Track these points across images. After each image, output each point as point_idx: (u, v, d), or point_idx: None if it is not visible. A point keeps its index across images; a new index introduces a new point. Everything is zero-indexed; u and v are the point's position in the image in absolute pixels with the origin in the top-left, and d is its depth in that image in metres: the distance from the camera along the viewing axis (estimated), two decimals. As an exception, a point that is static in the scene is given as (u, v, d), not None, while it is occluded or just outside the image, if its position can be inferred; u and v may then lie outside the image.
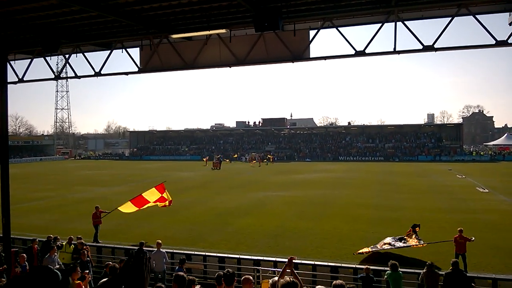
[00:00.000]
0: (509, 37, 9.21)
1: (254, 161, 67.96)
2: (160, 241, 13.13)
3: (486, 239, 16.61)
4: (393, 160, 73.81)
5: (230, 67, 11.89)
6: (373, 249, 14.35)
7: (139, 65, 12.61)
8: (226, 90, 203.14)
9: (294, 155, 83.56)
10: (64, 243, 13.93)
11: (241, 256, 13.62)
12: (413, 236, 14.25)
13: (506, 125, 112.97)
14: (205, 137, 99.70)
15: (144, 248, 13.00)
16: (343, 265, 12.49)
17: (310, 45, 10.65)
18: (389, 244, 14.26)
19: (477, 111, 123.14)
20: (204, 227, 20.17)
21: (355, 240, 17.22)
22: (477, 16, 9.42)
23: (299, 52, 10.62)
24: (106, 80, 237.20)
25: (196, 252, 14.34)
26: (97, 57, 13.68)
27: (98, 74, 12.88)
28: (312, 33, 10.68)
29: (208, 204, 27.18)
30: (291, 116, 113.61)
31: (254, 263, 12.91)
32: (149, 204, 17.47)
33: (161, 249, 12.86)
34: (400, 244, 14.13)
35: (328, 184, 37.74)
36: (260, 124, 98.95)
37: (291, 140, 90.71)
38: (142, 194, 17.35)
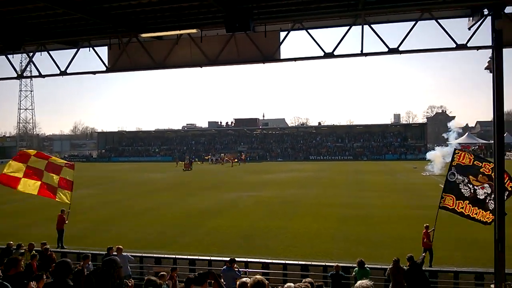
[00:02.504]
0: (468, 40, 9.67)
1: (228, 161, 67.82)
2: (121, 247, 12.55)
3: (448, 233, 17.27)
4: (361, 159, 75.52)
5: (201, 67, 11.87)
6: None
7: (107, 64, 12.39)
8: (198, 90, 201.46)
9: (266, 155, 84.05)
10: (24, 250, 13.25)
11: (212, 258, 13.57)
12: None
13: (467, 124, 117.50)
14: (176, 137, 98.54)
15: (113, 254, 12.55)
16: (313, 263, 12.71)
17: (281, 46, 10.80)
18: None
19: (440, 111, 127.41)
20: (175, 229, 19.97)
21: (325, 239, 17.53)
22: (439, 20, 9.82)
23: (270, 53, 10.74)
24: (73, 79, 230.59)
25: (166, 255, 14.14)
26: (63, 55, 13.35)
27: (63, 73, 12.56)
28: (282, 34, 10.83)
29: (179, 205, 26.94)
30: (264, 116, 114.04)
31: (225, 264, 12.88)
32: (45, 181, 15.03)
33: (123, 253, 12.30)
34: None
35: (299, 183, 38.19)
36: (233, 124, 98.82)
37: (264, 140, 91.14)
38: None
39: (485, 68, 9.66)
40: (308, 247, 16.39)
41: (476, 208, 12.10)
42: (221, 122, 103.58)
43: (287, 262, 12.74)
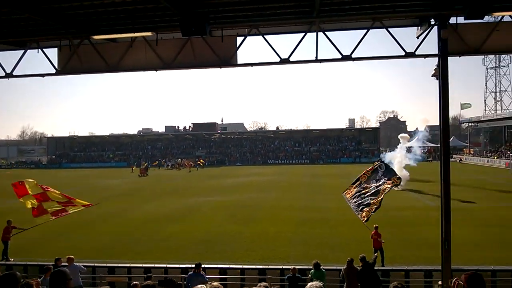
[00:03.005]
0: (416, 49, 10.16)
1: (185, 166, 66.94)
2: (72, 256, 11.99)
3: (400, 234, 18.02)
4: (318, 163, 77.13)
5: (156, 70, 11.64)
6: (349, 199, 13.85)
7: (56, 67, 11.85)
8: (155, 93, 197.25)
9: (225, 159, 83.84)
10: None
11: (169, 265, 13.27)
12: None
13: (417, 128, 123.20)
14: (131, 142, 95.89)
15: (62, 265, 11.93)
16: (270, 267, 12.78)
17: (238, 51, 10.81)
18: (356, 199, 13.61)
19: (392, 116, 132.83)
20: (131, 237, 19.41)
21: (283, 242, 17.71)
22: (389, 29, 10.24)
23: (227, 58, 10.73)
24: (21, 82, 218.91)
25: (120, 264, 13.66)
26: (9, 56, 12.64)
27: (9, 75, 11.88)
28: (239, 39, 10.85)
29: (136, 212, 26.25)
30: (222, 121, 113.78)
31: (181, 271, 12.68)
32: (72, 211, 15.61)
33: (74, 263, 11.72)
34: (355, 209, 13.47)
35: (257, 187, 38.35)
36: (190, 129, 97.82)
37: (222, 145, 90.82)
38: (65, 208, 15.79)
39: (432, 75, 10.22)
40: (266, 251, 16.48)
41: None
42: (178, 127, 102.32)
43: (244, 266, 12.73)
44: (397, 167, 37.86)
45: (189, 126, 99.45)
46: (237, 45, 10.63)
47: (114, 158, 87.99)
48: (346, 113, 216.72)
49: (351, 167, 63.53)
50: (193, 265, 12.30)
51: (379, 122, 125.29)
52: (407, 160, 40.01)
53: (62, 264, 11.33)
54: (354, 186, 14.01)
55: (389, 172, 13.36)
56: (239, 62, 10.77)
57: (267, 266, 12.88)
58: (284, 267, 12.58)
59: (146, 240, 18.71)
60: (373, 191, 13.19)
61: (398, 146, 44.54)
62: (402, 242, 17.00)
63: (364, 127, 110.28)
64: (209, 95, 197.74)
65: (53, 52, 11.94)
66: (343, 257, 14.04)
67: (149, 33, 10.51)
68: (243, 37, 10.56)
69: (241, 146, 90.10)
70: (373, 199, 13.09)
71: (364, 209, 13.17)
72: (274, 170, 60.02)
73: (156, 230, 20.73)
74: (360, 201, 13.38)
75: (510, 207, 24.79)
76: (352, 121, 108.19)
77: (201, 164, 69.12)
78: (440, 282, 10.50)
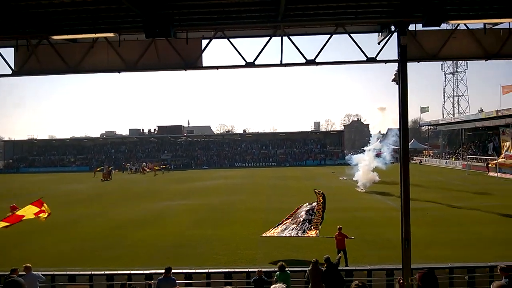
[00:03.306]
0: (377, 54, 10.47)
1: (150, 170, 65.78)
2: (30, 265, 11.45)
3: (363, 234, 18.43)
4: (284, 165, 77.91)
5: (118, 72, 11.40)
6: (279, 234, 15.63)
7: (13, 68, 11.36)
8: (119, 95, 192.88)
9: (191, 163, 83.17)
10: None
11: (132, 272, 12.91)
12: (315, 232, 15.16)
13: (379, 131, 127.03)
14: (94, 146, 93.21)
15: (19, 275, 11.35)
16: (236, 270, 12.76)
17: (203, 54, 10.75)
18: (292, 230, 15.37)
19: (355, 119, 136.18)
20: (95, 244, 18.80)
21: (250, 245, 17.72)
22: (352, 35, 10.50)
23: (191, 60, 10.66)
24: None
25: (81, 272, 13.16)
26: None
27: (-39, 76, 11.30)
28: (205, 42, 10.79)
29: (100, 218, 25.49)
30: (189, 123, 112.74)
31: (146, 277, 12.42)
32: (25, 218, 15.44)
33: (32, 272, 11.27)
34: (300, 233, 15.15)
35: (225, 190, 38.26)
36: (156, 132, 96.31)
37: (188, 148, 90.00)
38: (17, 213, 15.42)
39: (392, 80, 10.52)
40: (234, 254, 16.45)
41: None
42: (143, 130, 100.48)
43: (210, 270, 12.63)
44: (365, 170, 39.00)
45: (154, 129, 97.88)
46: (202, 48, 10.58)
47: (76, 162, 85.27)
48: (312, 116, 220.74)
49: (316, 169, 64.63)
50: (159, 271, 12.12)
51: (343, 125, 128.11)
52: (375, 163, 41.03)
53: (19, 274, 10.81)
54: (281, 224, 16.12)
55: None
56: (204, 65, 10.71)
57: (233, 270, 12.85)
58: (250, 270, 12.59)
59: (111, 247, 18.21)
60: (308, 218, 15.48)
61: (366, 149, 45.62)
62: (366, 242, 17.40)
63: (329, 130, 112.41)
64: (175, 98, 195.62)
65: (9, 52, 11.45)
66: (308, 258, 14.31)
67: (111, 34, 10.28)
68: (208, 40, 10.52)
69: (208, 149, 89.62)
70: (312, 220, 15.23)
71: (312, 227, 14.98)
72: (241, 173, 60.11)
73: (122, 236, 20.24)
74: (300, 227, 15.25)
75: (467, 207, 25.93)
76: (317, 124, 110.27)
77: (163, 168, 68.00)
78: (400, 281, 10.82)
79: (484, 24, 10.83)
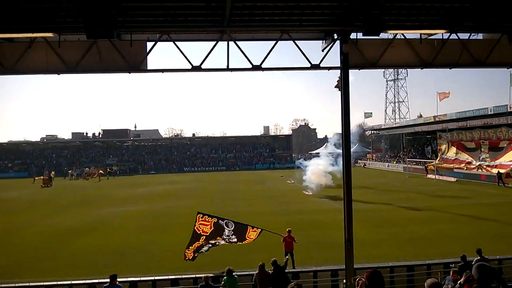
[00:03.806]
0: (321, 61, 10.81)
1: (94, 175, 63.17)
2: None
3: (311, 236, 18.85)
4: (234, 169, 78.04)
5: (58, 74, 10.87)
6: (200, 251, 13.53)
7: None
8: (61, 98, 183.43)
9: (138, 167, 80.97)
10: None
11: (73, 282, 12.30)
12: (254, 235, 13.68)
13: (326, 136, 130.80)
14: (33, 150, 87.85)
15: None
16: (183, 276, 12.56)
17: (148, 56, 10.51)
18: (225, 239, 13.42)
19: (303, 123, 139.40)
20: (34, 254, 17.67)
21: (197, 250, 17.52)
22: (297, 41, 10.75)
23: (136, 63, 10.39)
24: None
25: (18, 285, 12.35)
26: None
27: None
28: (150, 44, 10.56)
29: (39, 226, 24.03)
30: (135, 127, 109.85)
31: (88, 286, 11.88)
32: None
33: None
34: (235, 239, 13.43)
35: (172, 195, 37.63)
36: (100, 136, 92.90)
37: (135, 152, 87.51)
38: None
39: (335, 87, 10.90)
40: (180, 260, 16.08)
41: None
42: (87, 133, 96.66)
43: (156, 278, 12.33)
44: (319, 173, 39.99)
45: (99, 133, 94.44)
46: (147, 51, 10.35)
47: (13, 168, 79.96)
48: (261, 121, 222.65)
49: (265, 172, 65.39)
50: (102, 280, 11.65)
51: (292, 130, 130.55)
52: (331, 167, 42.16)
53: None
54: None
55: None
56: (149, 67, 10.48)
57: (180, 276, 12.64)
58: (197, 275, 12.43)
59: (51, 257, 17.22)
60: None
61: (320, 154, 46.79)
62: (312, 244, 17.78)
63: (278, 134, 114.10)
64: (121, 101, 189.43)
65: None
66: (256, 261, 14.38)
67: (50, 34, 9.78)
68: (153, 43, 10.31)
69: (155, 153, 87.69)
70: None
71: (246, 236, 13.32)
72: (190, 178, 59.43)
73: (63, 245, 19.27)
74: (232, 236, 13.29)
75: (407, 208, 27.37)
76: (266, 128, 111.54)
77: (108, 173, 65.72)
78: (344, 280, 11.19)
79: (420, 34, 11.52)
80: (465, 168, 46.48)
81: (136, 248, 18.09)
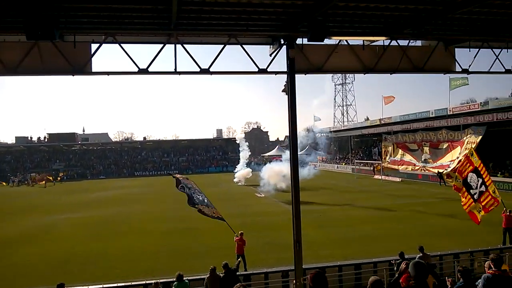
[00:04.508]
0: (268, 65, 11.00)
1: (39, 182, 59.97)
2: None
3: (263, 238, 19.07)
4: (186, 173, 76.89)
5: (-5, 76, 10.30)
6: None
7: None
8: (2, 100, 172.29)
9: (87, 172, 77.90)
10: None
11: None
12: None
13: (278, 138, 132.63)
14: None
15: None
16: (133, 283, 12.29)
17: (93, 58, 10.22)
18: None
19: (256, 127, 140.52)
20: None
21: (149, 256, 17.25)
22: (245, 46, 10.88)
23: (80, 65, 10.05)
24: None
25: None
26: None
27: None
28: (94, 46, 10.26)
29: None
30: (84, 131, 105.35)
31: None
32: None
33: None
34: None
35: (123, 201, 36.62)
36: (46, 140, 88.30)
37: (83, 157, 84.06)
38: None
39: (282, 91, 11.14)
40: (131, 267, 15.80)
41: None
42: (31, 138, 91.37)
43: (104, 286, 11.96)
44: (273, 176, 40.52)
45: (45, 137, 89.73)
46: (92, 53, 10.06)
47: None
48: (214, 124, 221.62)
49: (218, 175, 65.22)
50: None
51: (244, 133, 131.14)
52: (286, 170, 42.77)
53: None
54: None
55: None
56: (94, 70, 10.19)
57: (129, 283, 12.32)
58: (147, 282, 12.20)
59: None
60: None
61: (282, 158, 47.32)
62: (264, 245, 18.01)
63: (231, 137, 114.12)
64: (68, 103, 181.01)
65: None
66: (208, 265, 14.36)
67: (-14, 34, 9.26)
68: (98, 44, 10.04)
69: (105, 157, 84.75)
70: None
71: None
72: (141, 182, 58.13)
73: (4, 254, 18.27)
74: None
75: (356, 207, 28.44)
76: (219, 131, 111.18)
77: (55, 179, 62.79)
78: (294, 281, 11.42)
79: (363, 41, 12.04)
80: (411, 169, 48.84)
81: (84, 256, 17.46)
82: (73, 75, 10.22)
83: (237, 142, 53.57)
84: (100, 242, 19.93)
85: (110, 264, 16.19)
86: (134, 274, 14.73)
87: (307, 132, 77.81)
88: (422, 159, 48.10)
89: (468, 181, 14.98)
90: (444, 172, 41.31)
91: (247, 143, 55.20)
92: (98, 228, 23.77)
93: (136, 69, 9.94)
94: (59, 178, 64.17)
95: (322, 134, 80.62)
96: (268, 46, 11.57)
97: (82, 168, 79.52)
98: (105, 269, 15.56)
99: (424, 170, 46.30)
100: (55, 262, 16.77)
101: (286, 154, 53.29)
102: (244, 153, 54.00)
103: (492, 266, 6.32)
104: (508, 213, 16.61)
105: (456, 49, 12.91)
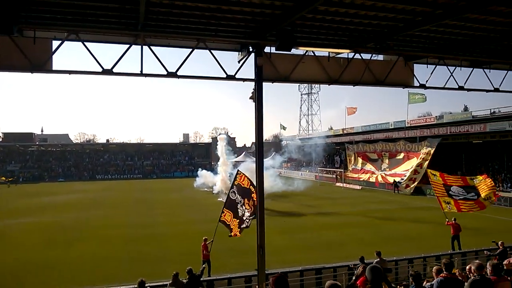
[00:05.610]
0: (236, 72, 11.01)
1: None
2: None
3: (227, 244, 18.89)
4: (151, 177, 75.72)
5: None
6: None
7: None
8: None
9: (45, 175, 74.87)
10: None
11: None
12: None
13: (245, 144, 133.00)
14: None
15: None
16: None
17: (54, 56, 9.83)
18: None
19: (223, 132, 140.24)
20: None
21: (110, 262, 16.76)
22: (213, 51, 10.84)
23: (39, 62, 9.65)
24: None
25: None
26: None
27: None
28: (56, 43, 9.89)
29: None
30: (42, 131, 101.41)
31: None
32: None
33: None
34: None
35: (82, 205, 35.38)
36: (1, 140, 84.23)
37: (41, 158, 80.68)
38: None
39: (250, 98, 11.16)
40: (90, 275, 15.21)
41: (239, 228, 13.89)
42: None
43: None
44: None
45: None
46: (53, 50, 9.69)
47: None
48: (180, 128, 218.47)
49: (183, 181, 64.33)
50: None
51: (211, 138, 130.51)
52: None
53: None
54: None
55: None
56: (55, 68, 9.80)
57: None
58: (109, 290, 11.87)
59: None
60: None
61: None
62: (229, 251, 17.86)
63: (197, 142, 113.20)
64: (25, 102, 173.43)
65: None
66: (170, 270, 14.10)
67: None
68: (60, 42, 9.68)
69: (64, 159, 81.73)
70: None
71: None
72: (103, 186, 56.52)
73: None
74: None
75: (319, 214, 28.83)
76: (186, 136, 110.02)
77: (9, 180, 59.98)
78: (257, 286, 11.41)
79: (329, 53, 12.33)
80: (369, 178, 50.29)
81: (38, 265, 16.60)
82: (31, 72, 9.80)
83: (217, 143, 52.34)
84: (56, 250, 19.05)
85: (69, 273, 15.49)
86: (94, 282, 14.22)
87: (274, 139, 78.49)
88: (382, 168, 49.82)
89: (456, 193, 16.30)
90: (403, 183, 42.83)
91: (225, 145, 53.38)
92: (55, 234, 22.73)
93: (100, 69, 9.66)
94: (9, 179, 61.15)
95: (287, 142, 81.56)
96: (237, 52, 11.59)
97: (40, 170, 76.31)
98: (63, 279, 14.87)
99: (382, 179, 47.84)
100: (5, 271, 15.85)
101: (253, 160, 53.51)
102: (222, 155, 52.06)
103: (444, 269, 6.85)
104: (453, 222, 17.41)
105: (415, 64, 13.54)
